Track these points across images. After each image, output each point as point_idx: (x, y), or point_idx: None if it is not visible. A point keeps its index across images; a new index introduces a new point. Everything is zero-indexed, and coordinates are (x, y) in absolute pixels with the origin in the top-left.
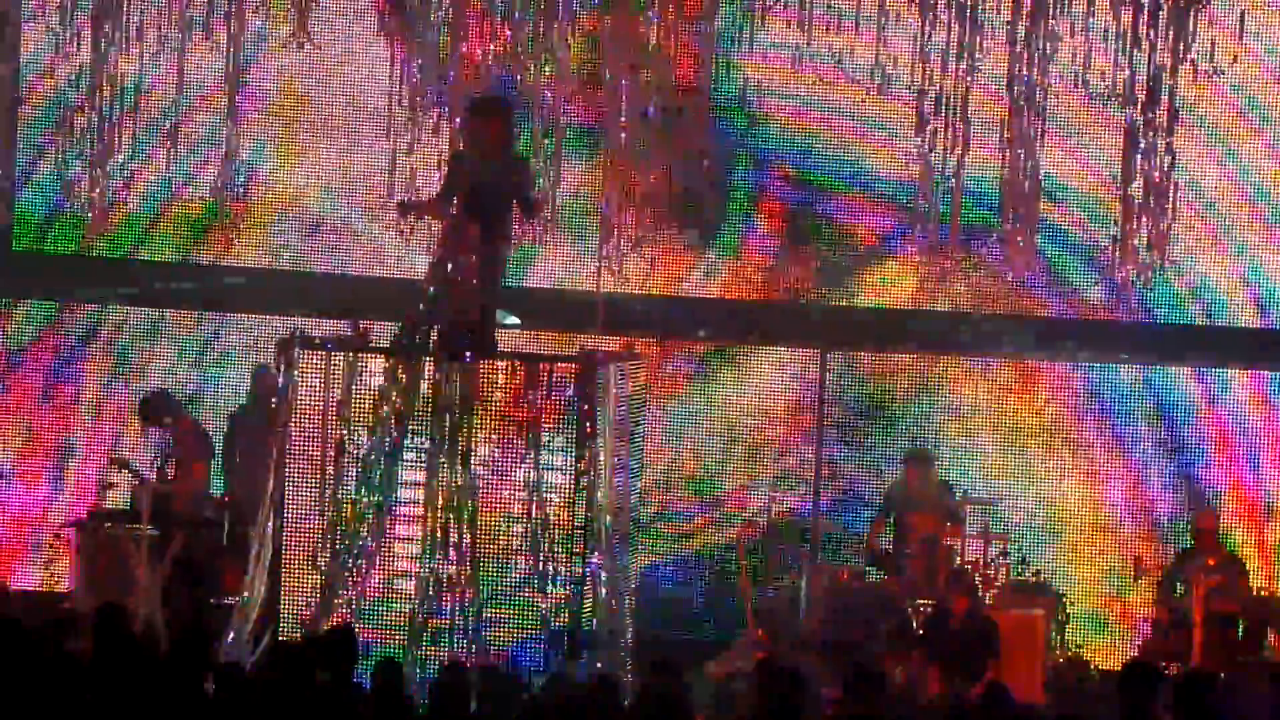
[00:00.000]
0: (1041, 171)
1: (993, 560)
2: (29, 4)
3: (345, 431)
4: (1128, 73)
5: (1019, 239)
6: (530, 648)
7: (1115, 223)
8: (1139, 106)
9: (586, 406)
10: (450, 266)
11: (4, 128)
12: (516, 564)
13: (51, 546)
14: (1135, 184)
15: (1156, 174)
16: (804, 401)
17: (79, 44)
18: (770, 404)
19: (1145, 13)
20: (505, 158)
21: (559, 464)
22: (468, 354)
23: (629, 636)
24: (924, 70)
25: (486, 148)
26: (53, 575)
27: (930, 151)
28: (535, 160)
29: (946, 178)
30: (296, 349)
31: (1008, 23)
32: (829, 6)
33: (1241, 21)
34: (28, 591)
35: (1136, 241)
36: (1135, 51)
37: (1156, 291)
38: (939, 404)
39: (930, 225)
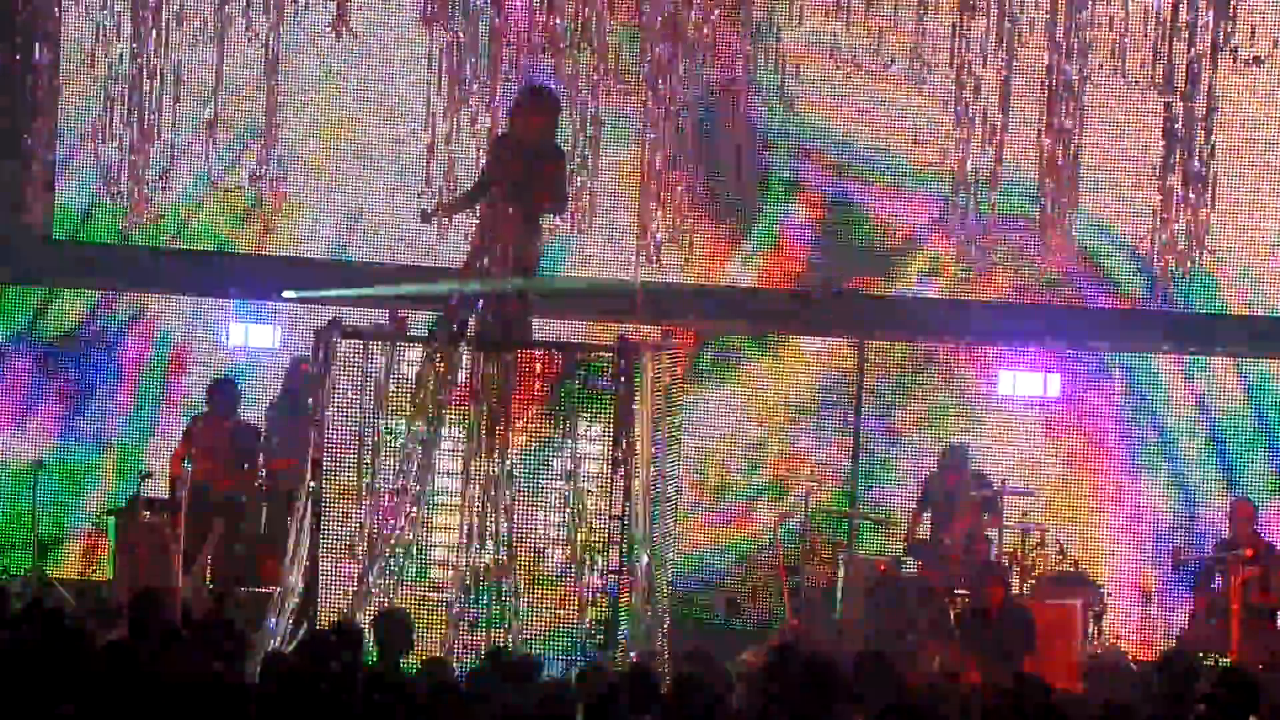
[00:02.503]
0: (1080, 160)
1: (1030, 551)
2: None
3: (382, 421)
4: (1167, 61)
5: (1057, 228)
6: (567, 637)
7: (1154, 213)
8: (1178, 95)
9: (624, 395)
10: (487, 255)
11: (44, 116)
12: (553, 554)
13: (91, 536)
14: (1174, 173)
15: (1196, 163)
16: (842, 390)
17: (119, 32)
18: (807, 393)
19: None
20: (542, 149)
21: (596, 453)
22: (504, 343)
23: (666, 626)
24: (963, 59)
25: (527, 139)
26: (92, 565)
27: (968, 141)
28: (574, 150)
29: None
30: (334, 338)
31: (1046, 11)
32: None
33: None
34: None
35: (1175, 231)
36: (1174, 39)
37: (1195, 281)
38: (976, 393)
39: (968, 218)
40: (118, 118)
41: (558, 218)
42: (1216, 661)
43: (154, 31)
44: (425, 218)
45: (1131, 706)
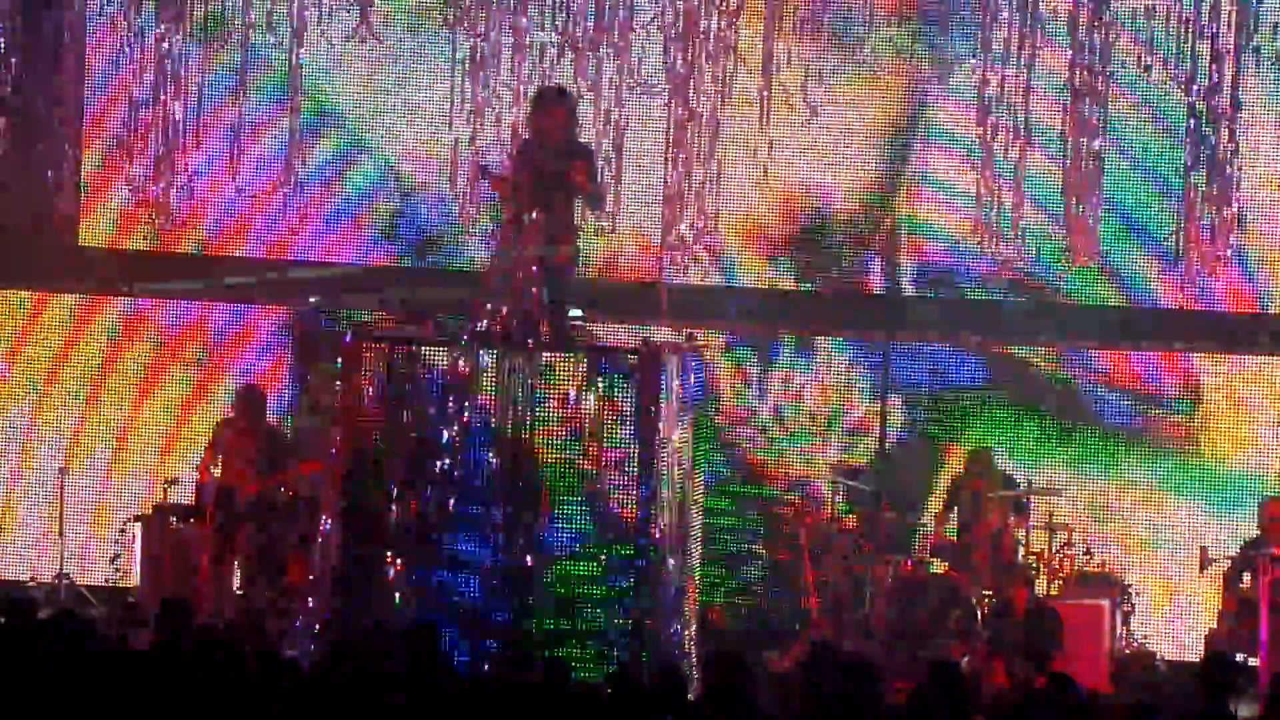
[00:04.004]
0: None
1: (1058, 551)
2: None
3: (409, 424)
4: (1190, 60)
5: (1082, 227)
6: (595, 640)
7: (1179, 212)
8: (1201, 94)
9: (649, 398)
10: (513, 258)
11: (72, 122)
12: (580, 555)
13: (117, 541)
14: (1198, 172)
15: (1220, 161)
16: (868, 390)
17: (144, 38)
18: (834, 393)
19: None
20: (569, 148)
21: (622, 456)
22: (530, 345)
23: (693, 628)
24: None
25: (550, 138)
26: (119, 570)
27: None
28: (598, 151)
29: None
30: (359, 342)
31: (1069, 10)
32: None
33: None
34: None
35: (1200, 230)
36: (1197, 39)
37: (1222, 280)
38: (1004, 393)
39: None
40: (144, 123)
41: (591, 215)
42: (1246, 661)
43: (180, 37)
44: (483, 173)
45: (1161, 707)
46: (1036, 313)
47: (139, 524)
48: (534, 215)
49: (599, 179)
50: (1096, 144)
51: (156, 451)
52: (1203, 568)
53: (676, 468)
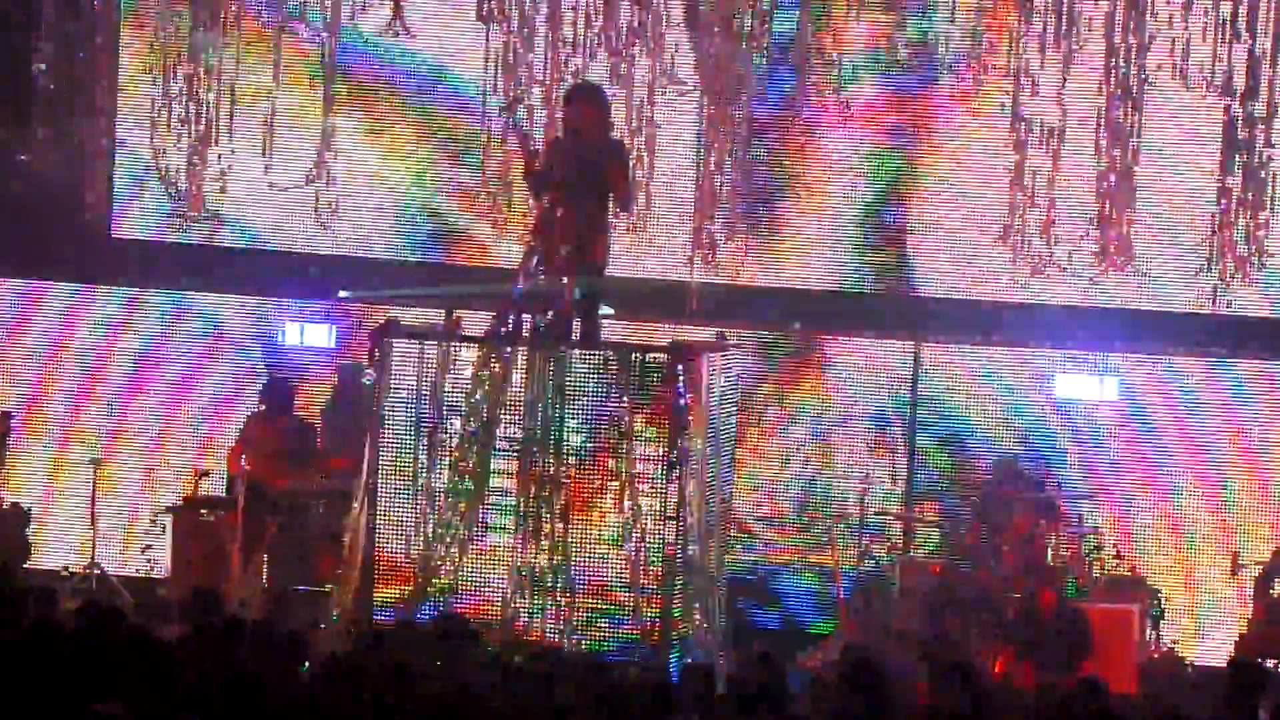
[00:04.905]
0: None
1: (1087, 555)
2: None
3: (438, 421)
4: (1227, 64)
5: (1115, 232)
6: (623, 638)
7: (1214, 217)
8: (1238, 98)
9: (679, 397)
10: (543, 255)
11: (105, 115)
12: (608, 554)
13: (148, 533)
14: (1234, 177)
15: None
16: (896, 393)
17: (178, 30)
18: (862, 395)
19: (1245, 3)
20: (601, 145)
21: (651, 455)
22: (560, 343)
23: (722, 628)
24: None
25: (584, 135)
26: (150, 562)
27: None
28: (630, 148)
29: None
30: (389, 338)
31: (1105, 13)
32: None
33: None
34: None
35: (1235, 235)
36: (1234, 42)
37: (1256, 284)
38: (1033, 396)
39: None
40: (176, 116)
41: (623, 214)
42: (1276, 667)
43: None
44: (511, 112)
45: (1190, 712)
46: (1067, 317)
47: (170, 516)
48: (565, 213)
49: (631, 177)
50: (1130, 147)
51: (190, 444)
52: (1234, 572)
53: (706, 467)
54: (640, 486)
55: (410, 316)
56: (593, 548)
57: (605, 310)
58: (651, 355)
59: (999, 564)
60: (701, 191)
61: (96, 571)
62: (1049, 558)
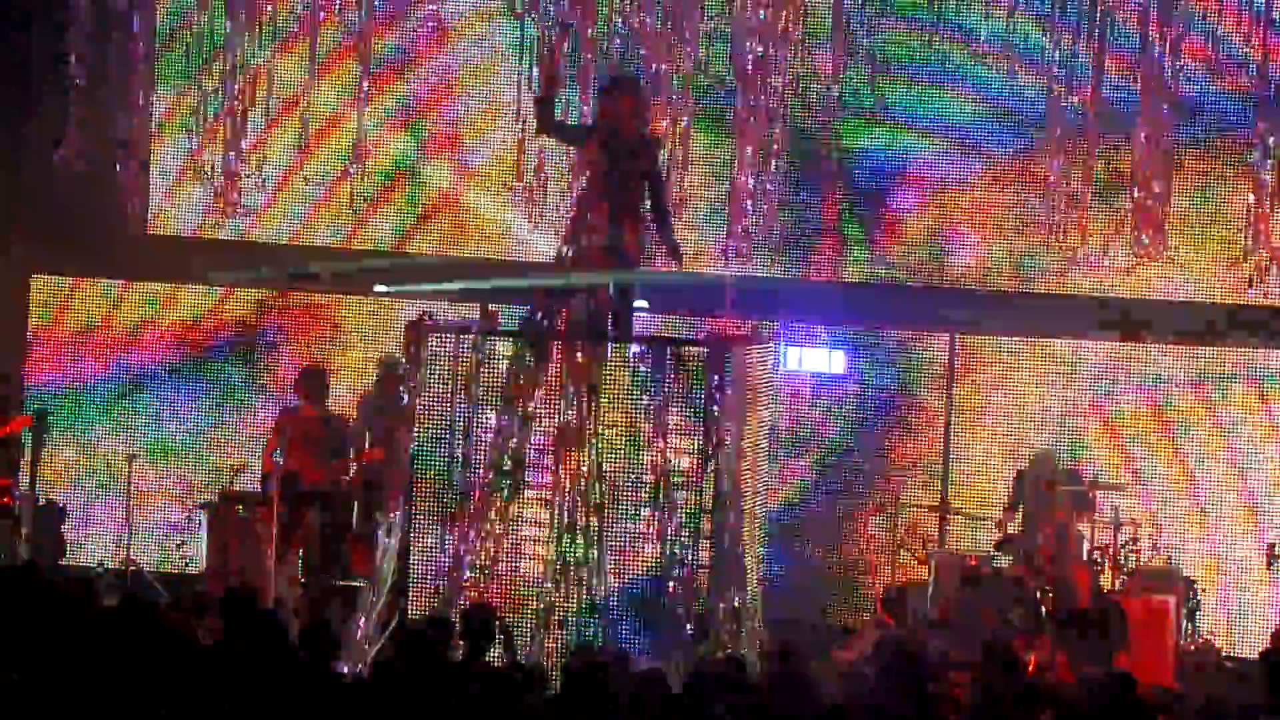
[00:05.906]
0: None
1: (1123, 546)
2: None
3: (473, 414)
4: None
5: (1151, 221)
6: (658, 630)
7: (1248, 208)
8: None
9: (715, 390)
10: (578, 249)
11: (140, 111)
12: (644, 547)
13: (184, 529)
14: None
15: None
16: (932, 385)
17: (213, 27)
18: (898, 387)
19: None
20: (639, 139)
21: (687, 447)
22: (595, 336)
23: (757, 620)
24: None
25: (620, 128)
26: (185, 558)
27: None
28: (666, 142)
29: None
30: (425, 332)
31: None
32: None
33: None
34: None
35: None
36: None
37: None
38: (1072, 387)
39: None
40: (210, 113)
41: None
42: None
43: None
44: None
45: (1225, 704)
46: (1101, 307)
47: (206, 511)
48: (599, 206)
49: (664, 171)
50: (1164, 137)
51: (225, 439)
52: (1270, 564)
53: (742, 459)
54: (676, 480)
55: (445, 311)
56: (628, 542)
57: (640, 303)
58: (687, 348)
59: (1035, 556)
60: (736, 186)
61: (133, 568)
62: (1084, 550)
